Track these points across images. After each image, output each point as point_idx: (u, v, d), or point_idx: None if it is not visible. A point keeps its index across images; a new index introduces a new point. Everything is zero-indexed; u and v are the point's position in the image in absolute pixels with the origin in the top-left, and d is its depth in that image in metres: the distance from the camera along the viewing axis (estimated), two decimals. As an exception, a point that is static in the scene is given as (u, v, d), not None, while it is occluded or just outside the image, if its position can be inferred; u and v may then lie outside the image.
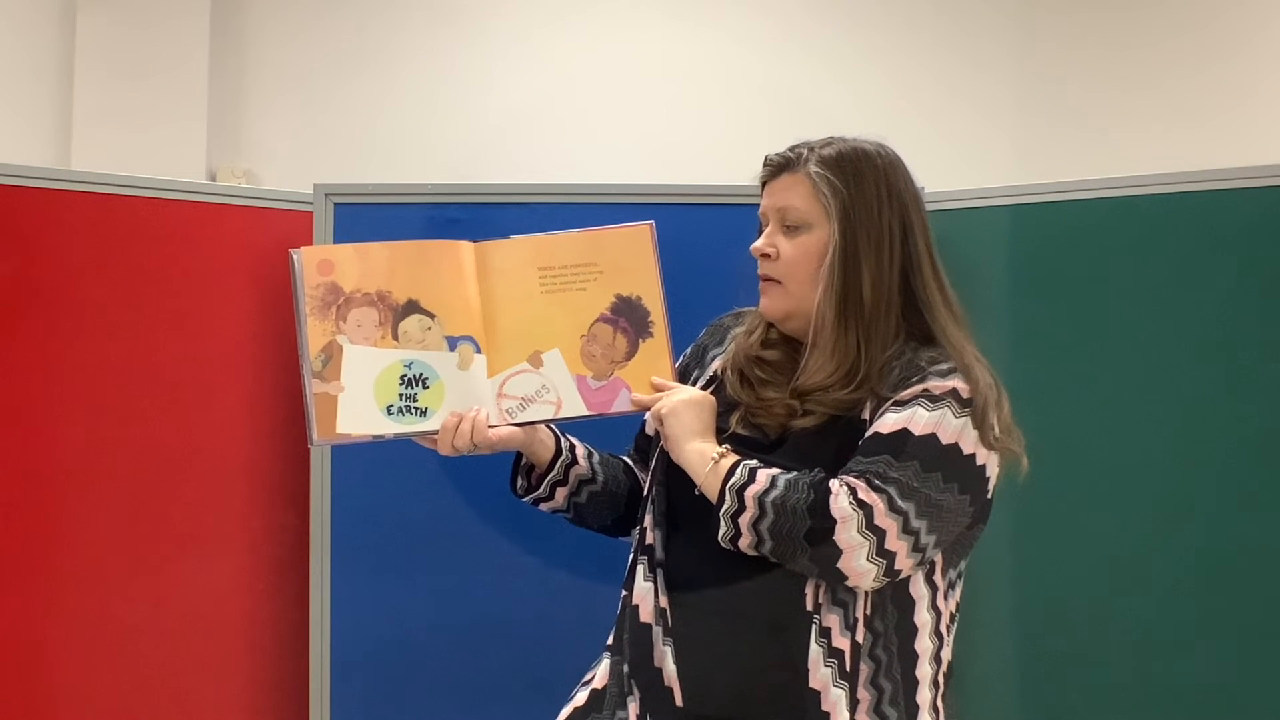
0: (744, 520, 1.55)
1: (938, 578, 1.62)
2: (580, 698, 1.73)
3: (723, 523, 1.56)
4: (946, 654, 1.64)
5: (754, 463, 1.58)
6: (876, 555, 1.51)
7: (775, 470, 1.57)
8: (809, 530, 1.51)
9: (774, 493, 1.54)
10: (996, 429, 1.59)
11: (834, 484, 1.53)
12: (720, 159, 4.02)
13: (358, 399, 1.67)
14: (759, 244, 1.67)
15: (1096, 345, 2.28)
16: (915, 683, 1.59)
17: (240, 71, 4.19)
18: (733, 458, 1.59)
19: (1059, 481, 2.24)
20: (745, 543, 1.56)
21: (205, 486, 2.36)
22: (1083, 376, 2.28)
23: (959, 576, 1.66)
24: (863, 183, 1.64)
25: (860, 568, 1.51)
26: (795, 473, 1.56)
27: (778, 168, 1.68)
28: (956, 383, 1.58)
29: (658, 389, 1.69)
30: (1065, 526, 2.29)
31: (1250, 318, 2.18)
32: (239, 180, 4.06)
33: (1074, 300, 2.30)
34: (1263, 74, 3.98)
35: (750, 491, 1.55)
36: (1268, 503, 2.15)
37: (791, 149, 1.68)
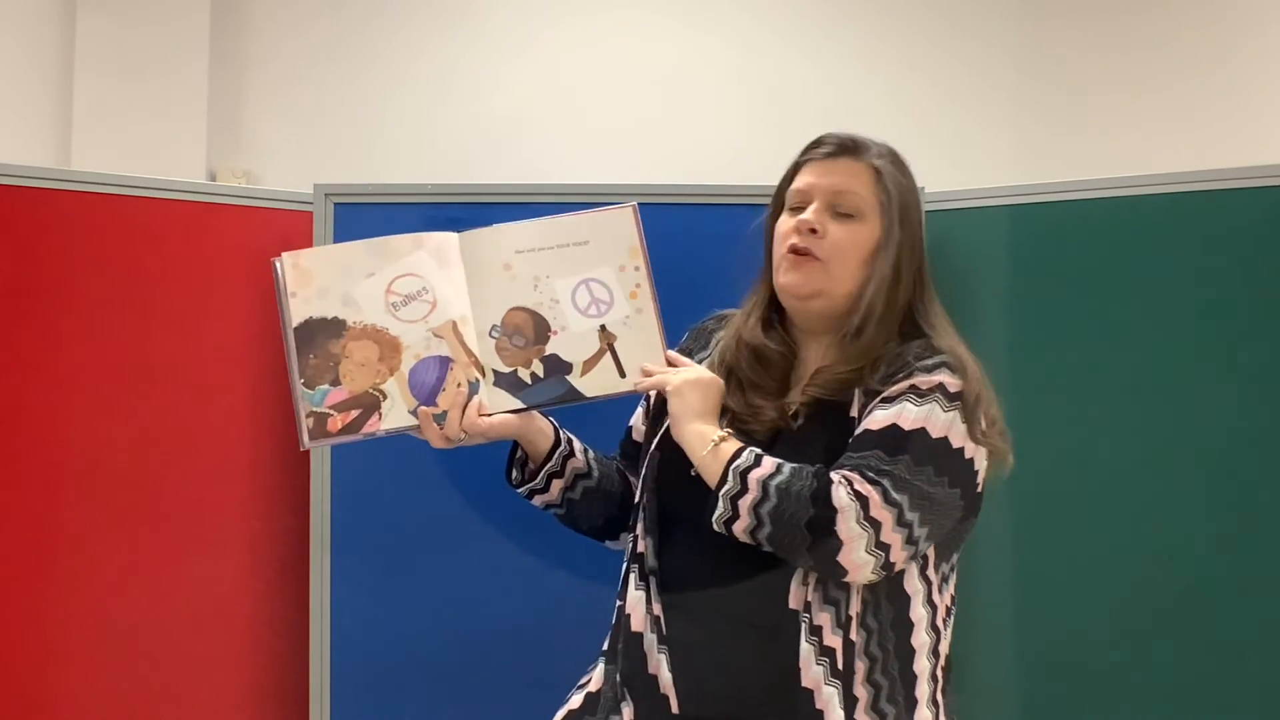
0: (744, 502, 1.54)
1: (931, 572, 1.62)
2: (575, 701, 1.73)
3: (721, 503, 1.55)
4: (944, 648, 1.65)
5: (758, 449, 1.59)
6: (875, 548, 1.52)
7: (779, 459, 1.57)
8: (811, 519, 1.51)
9: (779, 478, 1.54)
10: (984, 424, 1.60)
11: (833, 475, 1.54)
12: (720, 160, 4.04)
13: None
14: (809, 217, 1.65)
15: (1096, 345, 2.27)
16: (914, 678, 1.59)
17: (240, 71, 4.19)
18: (736, 442, 1.59)
19: (1059, 481, 2.25)
20: (741, 526, 1.55)
21: (205, 486, 2.35)
22: (1082, 376, 2.28)
23: (951, 570, 1.67)
24: (911, 184, 1.70)
25: (859, 560, 1.52)
26: (798, 463, 1.56)
27: (839, 149, 1.69)
28: (943, 377, 1.59)
29: (671, 362, 1.69)
30: (1065, 526, 2.29)
31: (1250, 318, 2.18)
32: (239, 180, 4.06)
33: (1073, 300, 2.30)
34: (1260, 76, 3.97)
35: (754, 475, 1.55)
36: (1267, 502, 2.15)
37: (852, 135, 1.70)
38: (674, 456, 1.67)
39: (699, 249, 2.12)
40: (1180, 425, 2.21)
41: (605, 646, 1.73)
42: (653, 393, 1.78)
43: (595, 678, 1.72)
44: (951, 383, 1.59)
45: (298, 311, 1.71)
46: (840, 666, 1.55)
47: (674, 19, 4.23)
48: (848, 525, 1.50)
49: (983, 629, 2.22)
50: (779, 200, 1.73)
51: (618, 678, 1.66)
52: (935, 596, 1.63)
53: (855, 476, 1.53)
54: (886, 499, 1.52)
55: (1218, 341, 2.19)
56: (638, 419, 1.88)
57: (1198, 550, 2.20)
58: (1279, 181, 2.16)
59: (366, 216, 2.32)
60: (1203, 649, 2.18)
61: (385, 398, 1.69)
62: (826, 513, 1.51)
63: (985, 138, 4.12)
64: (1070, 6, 4.18)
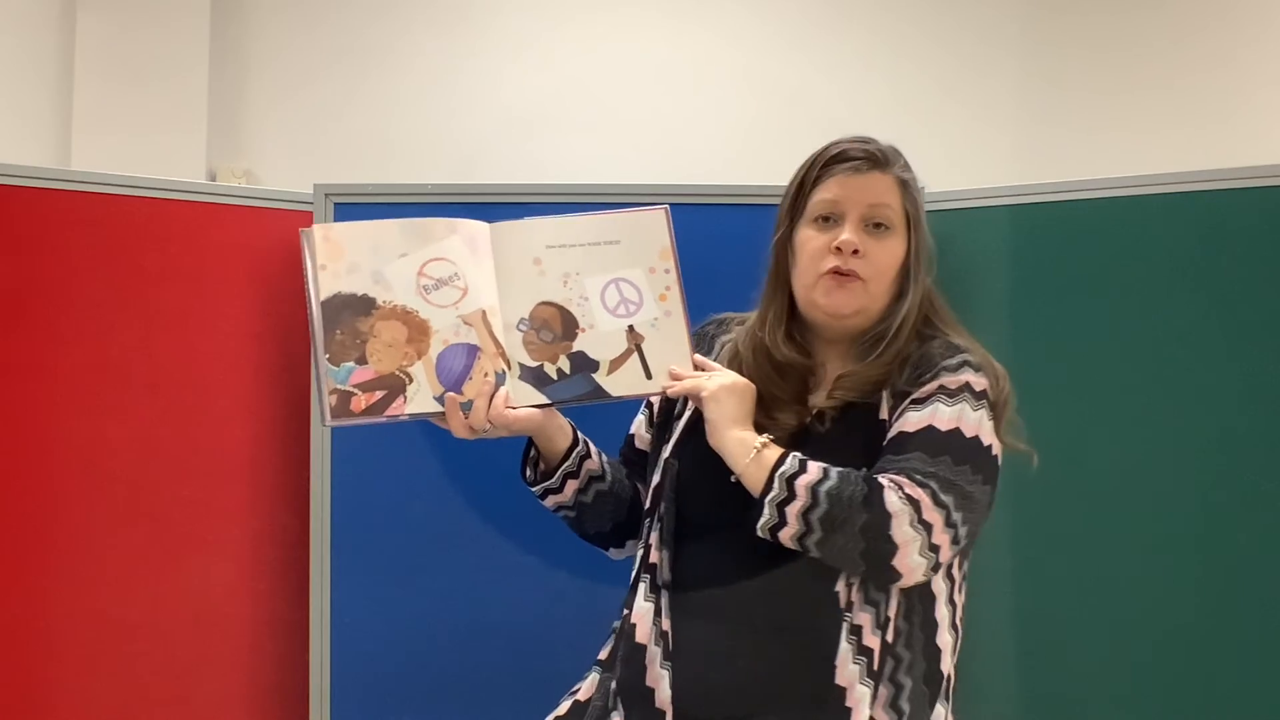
0: (792, 509, 1.53)
1: (955, 571, 1.63)
2: (563, 708, 1.72)
3: (767, 510, 1.53)
4: (959, 646, 1.65)
5: (801, 455, 1.57)
6: (928, 550, 1.52)
7: (825, 463, 1.56)
8: (865, 524, 1.50)
9: (828, 483, 1.53)
10: (1003, 422, 1.62)
11: (882, 479, 1.53)
12: (724, 160, 4.04)
13: None
14: (852, 238, 1.64)
15: (1096, 345, 2.27)
16: (940, 676, 1.60)
17: (240, 71, 4.19)
18: (777, 448, 1.58)
19: (1059, 481, 2.24)
20: (788, 533, 1.53)
21: (205, 486, 2.35)
22: (1082, 376, 2.28)
23: (967, 569, 1.67)
24: (920, 191, 1.70)
25: (914, 563, 1.52)
26: (844, 468, 1.56)
27: (868, 162, 1.66)
28: (968, 376, 1.60)
29: (699, 366, 1.67)
30: (1065, 526, 2.29)
31: (1250, 318, 2.18)
32: (239, 180, 4.06)
33: (1074, 300, 2.30)
34: (1260, 76, 3.98)
35: (802, 481, 1.53)
36: (1268, 503, 2.15)
37: (875, 145, 1.68)
38: (693, 464, 1.66)
39: (700, 249, 2.12)
40: (1180, 425, 2.21)
41: (602, 656, 1.72)
42: (656, 399, 1.77)
43: (586, 687, 1.71)
44: (976, 381, 1.60)
45: (326, 285, 1.66)
46: (876, 666, 1.55)
47: (676, 19, 4.23)
48: (902, 529, 1.50)
49: (983, 629, 2.22)
50: (797, 207, 1.70)
51: (612, 685, 1.65)
52: (955, 596, 1.63)
53: (904, 480, 1.52)
54: (936, 501, 1.52)
55: (1218, 341, 2.19)
56: (640, 426, 1.85)
57: (1198, 550, 2.20)
58: (1279, 181, 2.16)
59: (366, 216, 2.30)
60: (1201, 648, 2.18)
61: (411, 381, 1.64)
62: (880, 518, 1.50)
63: (986, 138, 4.12)
64: (1071, 6, 4.18)
